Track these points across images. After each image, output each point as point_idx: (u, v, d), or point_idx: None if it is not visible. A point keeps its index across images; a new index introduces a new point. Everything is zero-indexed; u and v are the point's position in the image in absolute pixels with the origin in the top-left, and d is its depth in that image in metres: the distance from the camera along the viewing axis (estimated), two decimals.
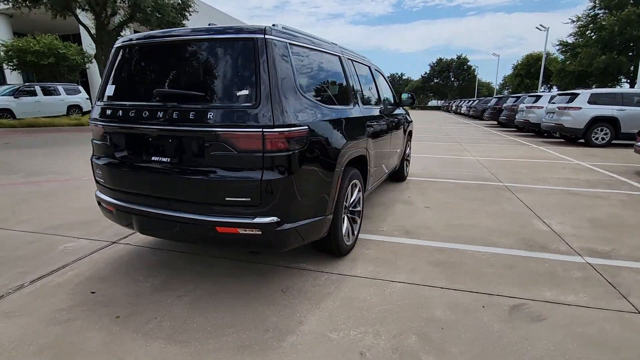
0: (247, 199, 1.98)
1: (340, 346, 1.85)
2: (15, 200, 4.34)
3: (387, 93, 4.59)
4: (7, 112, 14.09)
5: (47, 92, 15.84)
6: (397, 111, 4.67)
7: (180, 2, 15.55)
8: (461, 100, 37.27)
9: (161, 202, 2.15)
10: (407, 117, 5.25)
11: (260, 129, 1.90)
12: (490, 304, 2.24)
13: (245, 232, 2.01)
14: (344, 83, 2.91)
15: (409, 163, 5.79)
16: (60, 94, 16.36)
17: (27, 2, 13.16)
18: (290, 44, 2.18)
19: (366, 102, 3.42)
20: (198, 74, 2.09)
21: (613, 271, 2.68)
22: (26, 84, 16.94)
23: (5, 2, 13.64)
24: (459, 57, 71.94)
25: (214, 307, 2.20)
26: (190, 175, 2.04)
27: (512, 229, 3.52)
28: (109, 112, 2.29)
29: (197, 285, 2.45)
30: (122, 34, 15.38)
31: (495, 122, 18.87)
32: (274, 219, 2.01)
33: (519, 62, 42.58)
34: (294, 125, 2.00)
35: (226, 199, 1.99)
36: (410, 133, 5.63)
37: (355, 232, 3.06)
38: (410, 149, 5.78)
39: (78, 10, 14.61)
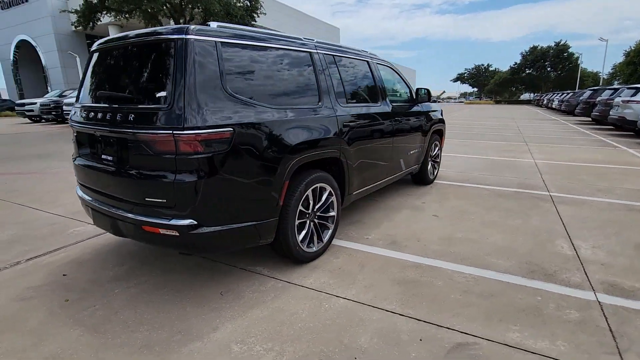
0: (164, 201, 1.99)
1: None
2: (64, 187, 5.06)
3: (399, 89, 4.23)
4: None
5: None
6: (414, 109, 4.27)
7: (248, 4, 16.37)
8: (554, 93, 32.76)
9: (106, 199, 2.29)
10: (433, 114, 4.76)
11: (171, 131, 1.89)
12: (431, 338, 1.91)
13: (166, 233, 2.03)
14: (310, 81, 2.74)
15: (437, 165, 5.27)
16: None
17: (125, 14, 15.13)
18: (222, 43, 2.11)
19: (352, 99, 3.18)
20: (130, 76, 2.16)
21: (626, 316, 2.09)
22: None
23: (109, 15, 15.82)
24: (557, 44, 63.08)
25: (149, 301, 2.28)
26: (121, 175, 2.13)
27: (523, 249, 2.97)
28: (76, 113, 2.50)
29: (149, 279, 2.56)
30: None
31: (589, 119, 16.15)
32: (191, 221, 1.99)
33: (632, 49, 35.69)
34: (211, 127, 1.94)
35: (146, 199, 2.03)
36: (438, 132, 5.12)
37: (325, 239, 2.89)
38: (439, 149, 5.25)
39: (166, 19, 16.36)
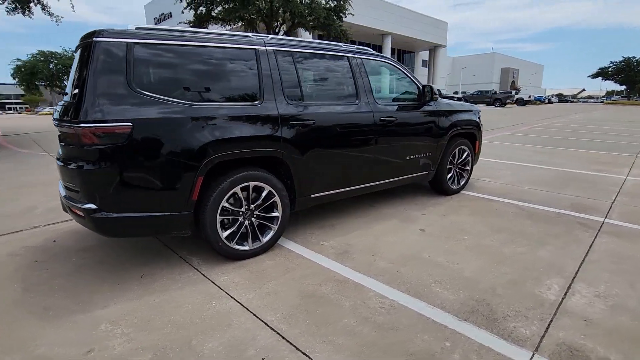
0: (74, 186, 2.25)
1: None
2: None
3: (400, 87, 3.81)
4: None
5: None
6: (422, 109, 3.80)
7: (334, 4, 16.64)
8: None
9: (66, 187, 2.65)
10: (453, 116, 4.14)
11: (74, 124, 2.12)
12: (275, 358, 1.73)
13: (79, 214, 2.29)
14: (249, 78, 2.68)
15: (465, 173, 4.56)
16: None
17: (229, 22, 17.01)
18: (135, 43, 2.25)
19: (310, 98, 3.01)
20: (74, 75, 2.43)
21: None
22: None
23: (216, 24, 17.99)
24: None
25: (85, 273, 2.60)
26: (62, 164, 2.44)
27: (489, 284, 2.40)
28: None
29: (103, 254, 2.91)
30: None
31: None
32: (91, 206, 2.21)
33: None
34: (107, 121, 2.11)
35: (70, 184, 2.32)
36: (466, 135, 4.43)
37: (265, 239, 2.83)
38: (471, 155, 4.53)
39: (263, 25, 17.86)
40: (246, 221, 2.76)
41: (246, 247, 2.76)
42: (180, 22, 21.41)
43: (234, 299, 2.25)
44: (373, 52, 3.63)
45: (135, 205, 2.29)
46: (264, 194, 2.77)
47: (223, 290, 2.36)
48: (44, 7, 12.57)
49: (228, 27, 18.40)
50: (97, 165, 2.15)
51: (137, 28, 2.33)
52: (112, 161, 2.16)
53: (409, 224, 3.52)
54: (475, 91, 38.86)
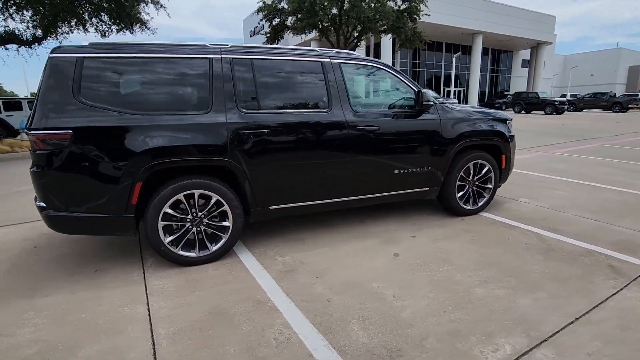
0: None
1: None
2: None
3: (391, 94, 3.43)
4: None
5: None
6: (417, 117, 3.37)
7: (406, 6, 15.93)
8: None
9: None
10: (462, 125, 3.56)
11: (26, 131, 2.39)
12: None
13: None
14: (199, 87, 2.69)
15: (486, 192, 3.89)
16: None
17: (303, 31, 17.66)
18: (85, 58, 2.45)
19: (270, 106, 2.88)
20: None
21: None
22: None
23: (291, 33, 18.76)
24: None
25: (59, 263, 2.92)
26: None
27: (425, 333, 1.98)
28: None
29: (84, 246, 3.24)
30: (359, 44, 17.75)
31: None
32: (42, 204, 2.47)
33: None
34: (49, 128, 2.34)
35: None
36: (486, 148, 3.78)
37: (214, 248, 2.82)
38: (496, 172, 3.84)
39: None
40: (194, 228, 2.78)
41: (193, 254, 2.77)
42: (261, 34, 22.96)
43: (147, 306, 2.28)
44: (357, 55, 3.33)
45: (78, 205, 2.49)
46: (211, 203, 2.76)
47: (147, 294, 2.41)
48: (145, 26, 14.69)
49: (303, 37, 19.12)
50: (43, 167, 2.39)
51: (90, 44, 2.54)
52: (55, 165, 2.38)
53: (388, 246, 3.13)
54: (587, 94, 33.18)
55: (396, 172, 3.36)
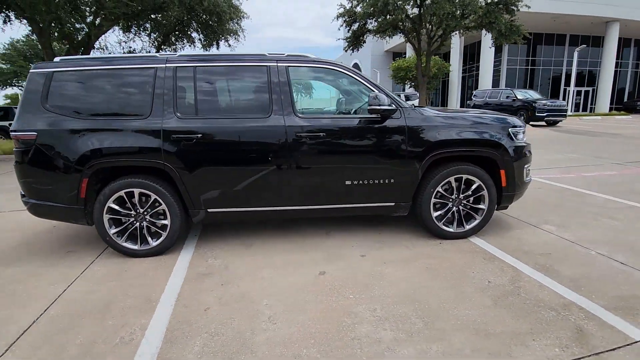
0: None
1: None
2: None
3: (349, 98, 3.12)
4: None
5: None
6: (369, 124, 3.02)
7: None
8: None
9: None
10: (436, 133, 3.02)
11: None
12: None
13: None
14: (143, 95, 2.89)
15: (478, 214, 3.22)
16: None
17: (378, 34, 17.28)
18: (56, 72, 2.89)
19: (207, 112, 2.94)
20: None
21: None
22: None
23: (372, 36, 18.43)
24: None
25: (42, 246, 3.53)
26: None
27: None
28: None
29: (81, 231, 3.82)
30: (445, 43, 16.46)
31: None
32: (21, 192, 3.03)
33: None
34: (20, 130, 2.85)
35: None
36: (469, 159, 3.15)
37: (154, 243, 3.03)
38: (482, 190, 3.15)
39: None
40: (137, 223, 3.04)
41: (135, 247, 3.03)
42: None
43: (67, 287, 2.58)
44: (310, 57, 3.13)
45: (43, 195, 2.97)
46: (150, 201, 2.97)
47: (77, 277, 2.73)
48: (237, 37, 16.36)
49: (388, 39, 18.62)
50: (19, 162, 2.93)
51: (60, 59, 3.01)
52: (26, 160, 2.89)
53: (324, 263, 2.88)
54: None
55: (348, 183, 3.06)
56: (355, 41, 17.48)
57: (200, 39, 15.93)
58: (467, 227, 3.25)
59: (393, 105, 2.98)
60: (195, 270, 2.82)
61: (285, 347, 1.89)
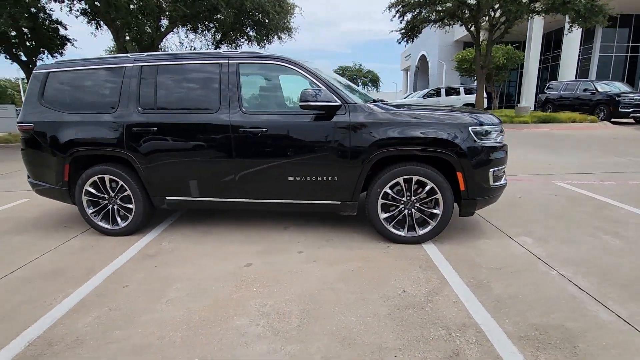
0: None
1: None
2: None
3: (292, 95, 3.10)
4: None
5: (449, 92, 19.01)
6: (315, 120, 2.97)
7: None
8: None
9: None
10: (382, 131, 2.85)
11: None
12: None
13: None
14: (113, 92, 3.23)
15: (434, 219, 2.98)
16: (459, 94, 19.01)
17: (438, 22, 16.26)
18: (50, 72, 3.38)
19: (164, 107, 3.18)
20: None
21: None
22: (435, 87, 21.21)
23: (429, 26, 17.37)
24: None
25: (50, 217, 4.14)
26: None
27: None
28: None
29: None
30: (509, 31, 14.87)
31: None
32: (28, 174, 3.62)
33: None
34: (23, 122, 3.40)
35: None
36: (423, 160, 2.91)
37: (122, 224, 3.41)
38: (436, 194, 2.90)
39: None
40: (110, 206, 3.43)
41: (107, 227, 3.44)
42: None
43: (39, 258, 3.05)
44: (262, 53, 3.17)
45: (40, 177, 3.52)
46: (118, 186, 3.34)
47: (52, 250, 3.20)
48: (290, 34, 16.85)
49: (448, 28, 17.42)
50: (22, 148, 3.51)
51: (56, 62, 3.49)
52: (26, 147, 3.46)
53: (259, 256, 2.95)
54: None
55: (291, 179, 3.07)
56: (409, 32, 16.66)
57: (256, 36, 16.74)
58: (420, 232, 3.03)
59: (334, 102, 2.89)
60: (145, 251, 3.10)
61: (159, 328, 2.03)
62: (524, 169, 5.91)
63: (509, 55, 22.25)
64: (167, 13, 12.67)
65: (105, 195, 3.41)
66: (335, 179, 3.03)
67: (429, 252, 2.90)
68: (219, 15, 14.57)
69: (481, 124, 2.91)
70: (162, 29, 13.98)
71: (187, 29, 16.41)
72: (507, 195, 3.76)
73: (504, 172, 3.11)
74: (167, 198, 3.34)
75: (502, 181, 3.10)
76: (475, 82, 18.90)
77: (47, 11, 13.26)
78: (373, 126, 2.91)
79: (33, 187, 3.64)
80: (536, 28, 20.86)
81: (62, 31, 14.04)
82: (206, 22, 15.97)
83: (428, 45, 36.99)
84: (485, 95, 17.87)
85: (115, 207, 3.42)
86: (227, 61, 3.16)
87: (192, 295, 2.38)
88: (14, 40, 12.99)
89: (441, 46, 36.51)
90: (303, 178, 3.07)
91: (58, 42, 14.02)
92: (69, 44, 14.47)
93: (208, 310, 2.19)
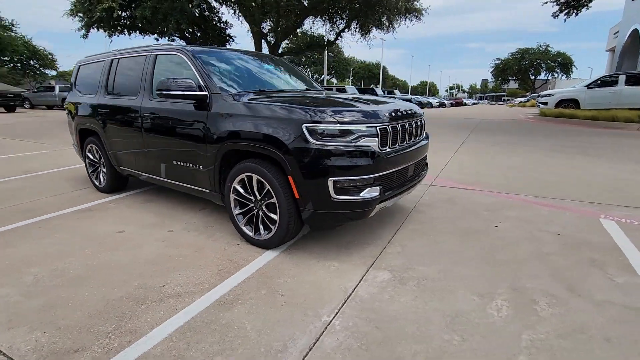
0: None
1: None
2: None
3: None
4: (572, 103, 14.65)
5: (632, 80, 13.77)
6: (195, 108, 3.06)
7: None
8: None
9: None
10: (233, 123, 2.69)
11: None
12: None
13: None
14: (94, 80, 4.14)
15: (273, 224, 2.66)
16: None
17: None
18: (79, 66, 4.61)
19: (114, 92, 3.88)
20: None
21: None
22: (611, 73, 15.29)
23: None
24: None
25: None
26: None
27: None
28: None
29: None
30: None
31: None
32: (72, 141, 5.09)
33: None
34: (67, 101, 4.79)
35: None
36: (260, 157, 2.62)
37: (97, 184, 4.45)
38: (271, 196, 2.56)
39: None
40: (99, 169, 4.49)
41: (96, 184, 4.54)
42: None
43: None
44: (171, 46, 3.41)
45: (74, 143, 4.89)
46: (94, 152, 4.36)
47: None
48: (417, 16, 15.76)
49: None
50: (69, 122, 4.93)
51: (85, 57, 4.69)
52: (69, 120, 4.85)
53: (142, 228, 3.34)
54: None
55: (175, 163, 3.29)
56: (571, 2, 12.70)
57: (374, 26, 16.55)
58: (265, 236, 2.77)
59: (191, 92, 2.90)
60: (83, 213, 3.90)
61: None
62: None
63: None
64: (282, 10, 14.01)
65: (95, 159, 4.48)
66: (200, 167, 3.08)
67: (277, 257, 2.64)
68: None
69: (319, 122, 2.38)
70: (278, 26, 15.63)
71: (325, 20, 17.57)
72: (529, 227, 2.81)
73: (366, 183, 2.45)
74: (121, 168, 4.11)
75: (362, 195, 2.45)
76: None
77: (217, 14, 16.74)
78: (225, 119, 2.81)
79: (74, 148, 5.10)
80: None
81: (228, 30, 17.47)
82: (341, 12, 16.71)
83: None
84: None
85: (99, 171, 4.45)
86: (150, 54, 3.62)
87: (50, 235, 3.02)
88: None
89: None
90: (181, 163, 3.25)
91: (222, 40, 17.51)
92: (231, 40, 17.87)
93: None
